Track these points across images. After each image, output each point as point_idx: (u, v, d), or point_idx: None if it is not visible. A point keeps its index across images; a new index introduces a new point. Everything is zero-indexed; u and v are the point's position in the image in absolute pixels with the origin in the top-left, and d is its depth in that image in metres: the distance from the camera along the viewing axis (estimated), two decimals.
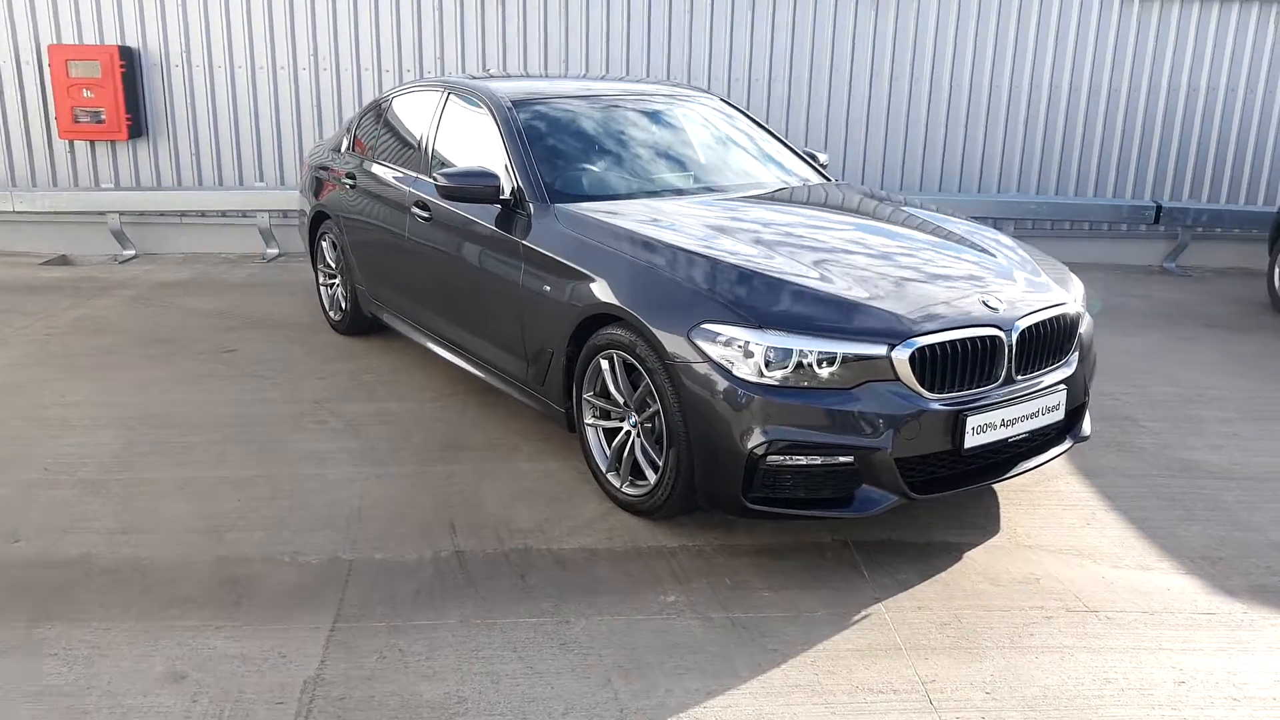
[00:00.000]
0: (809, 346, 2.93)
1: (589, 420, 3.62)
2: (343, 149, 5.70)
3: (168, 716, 2.38)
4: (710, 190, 4.29)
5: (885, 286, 3.20)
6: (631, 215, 3.77)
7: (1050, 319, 3.30)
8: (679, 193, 4.16)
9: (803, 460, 2.97)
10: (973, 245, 3.76)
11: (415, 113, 5.06)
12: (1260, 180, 8.89)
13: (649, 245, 3.45)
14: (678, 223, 3.70)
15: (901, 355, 2.95)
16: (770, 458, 2.96)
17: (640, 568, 3.14)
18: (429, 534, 3.36)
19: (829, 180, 4.75)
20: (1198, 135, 8.75)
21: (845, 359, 2.93)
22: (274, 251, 8.25)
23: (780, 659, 2.66)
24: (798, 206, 4.23)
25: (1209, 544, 3.36)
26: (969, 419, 3.02)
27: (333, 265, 5.79)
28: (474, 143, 4.51)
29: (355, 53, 8.21)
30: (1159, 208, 8.41)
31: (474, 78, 5.01)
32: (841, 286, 3.17)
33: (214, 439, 4.19)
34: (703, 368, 3.02)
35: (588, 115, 4.50)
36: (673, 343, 3.10)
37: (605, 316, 3.43)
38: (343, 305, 5.70)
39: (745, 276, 3.19)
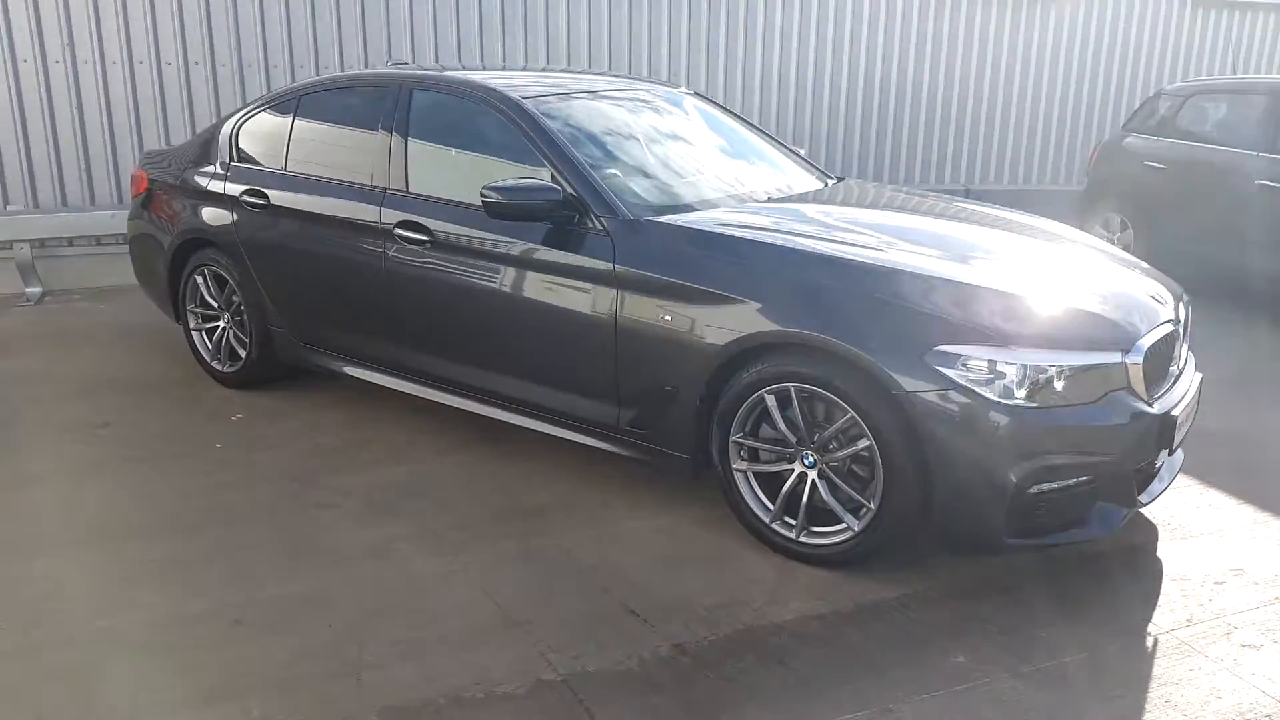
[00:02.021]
0: (1058, 361, 2.77)
1: (739, 466, 3.18)
2: (218, 160, 4.61)
3: None
4: (782, 195, 3.95)
5: (1087, 291, 3.12)
6: (754, 225, 3.37)
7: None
8: (742, 200, 3.78)
9: (1055, 485, 2.80)
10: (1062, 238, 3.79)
11: (356, 115, 4.19)
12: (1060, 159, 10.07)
13: (829, 261, 3.09)
14: (811, 230, 3.37)
15: (1135, 360, 2.88)
16: (1033, 487, 2.76)
17: (889, 629, 2.81)
18: (614, 626, 2.78)
19: (840, 177, 4.57)
20: (999, 122, 9.72)
21: (1090, 371, 2.80)
22: (37, 290, 6.57)
23: (1132, 707, 2.48)
24: (892, 210, 4.05)
25: None
26: (1176, 418, 3.01)
27: (216, 304, 4.68)
28: (478, 149, 3.85)
29: (154, 45, 6.74)
30: (967, 190, 9.22)
31: (428, 70, 4.24)
32: (1065, 295, 3.04)
33: (207, 546, 3.20)
34: (946, 395, 2.74)
35: (607, 115, 3.98)
36: (901, 369, 2.78)
37: (764, 347, 3.02)
38: (241, 352, 4.63)
39: (966, 291, 2.95)
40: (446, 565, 3.11)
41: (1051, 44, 9.99)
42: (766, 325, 3.00)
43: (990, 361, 2.73)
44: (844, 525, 3.01)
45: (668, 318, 3.19)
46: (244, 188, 4.41)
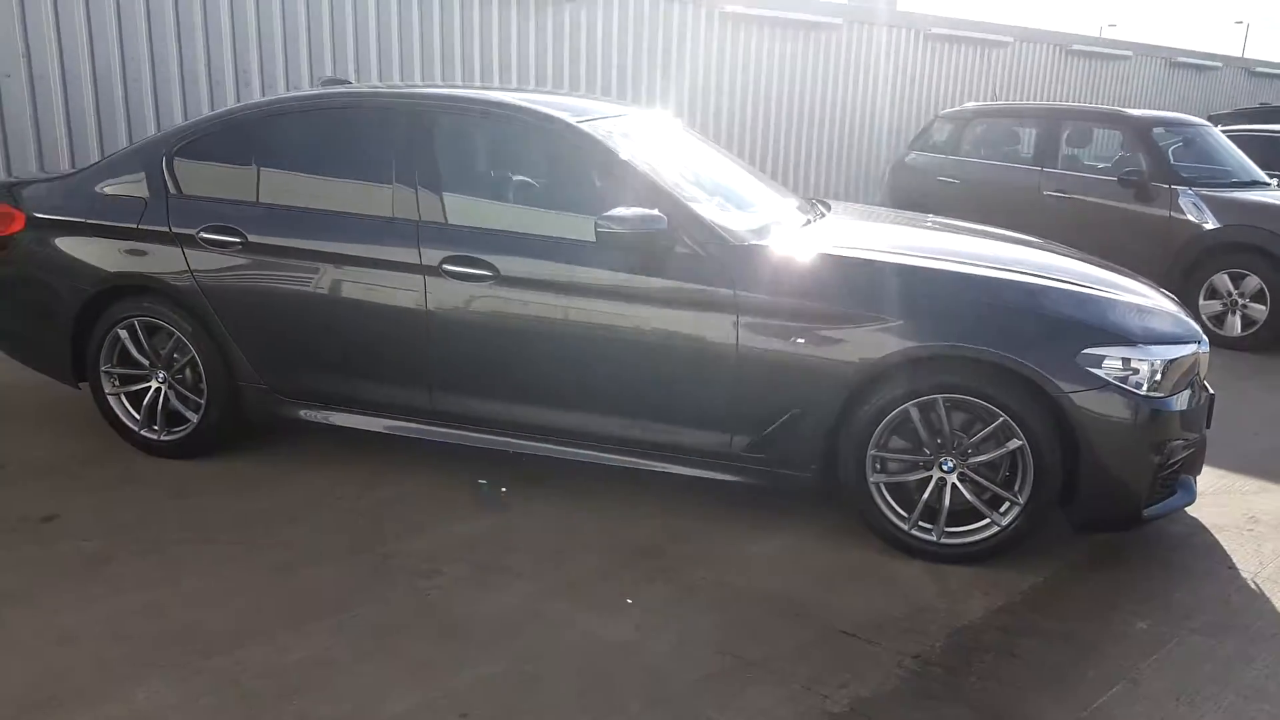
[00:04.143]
0: (1169, 355, 3.24)
1: (875, 479, 3.35)
2: (151, 192, 3.96)
3: None
4: (819, 214, 4.11)
5: (1151, 292, 3.63)
6: (852, 243, 3.56)
7: None
8: (795, 222, 3.93)
9: (1172, 461, 3.27)
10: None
11: (358, 141, 3.82)
12: None
13: (947, 276, 3.36)
14: (911, 245, 3.64)
15: (1205, 350, 3.43)
16: (1168, 466, 3.21)
17: (1067, 608, 3.12)
18: (845, 650, 2.83)
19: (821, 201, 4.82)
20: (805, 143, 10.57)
21: (1185, 360, 3.30)
22: None
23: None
24: (938, 231, 4.33)
25: None
26: (1215, 396, 3.62)
27: (148, 363, 4.02)
28: (535, 177, 3.69)
29: None
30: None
31: (450, 91, 3.97)
32: (1152, 296, 3.52)
33: (338, 640, 2.80)
34: (1095, 393, 3.11)
35: (646, 142, 3.95)
36: (1058, 372, 3.11)
37: (908, 362, 3.23)
38: (190, 416, 4.01)
39: (1095, 299, 3.35)
40: (621, 617, 2.97)
41: (834, 73, 11.09)
42: (915, 342, 3.19)
43: (1124, 360, 3.14)
44: (987, 522, 3.29)
45: (800, 340, 3.29)
46: (203, 224, 3.83)
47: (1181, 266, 6.98)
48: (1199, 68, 18.23)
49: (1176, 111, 10.12)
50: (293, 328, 3.79)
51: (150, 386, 4.04)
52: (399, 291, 3.62)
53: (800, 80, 11.00)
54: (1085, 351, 3.13)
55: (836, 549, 3.43)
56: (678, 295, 3.36)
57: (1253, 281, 6.75)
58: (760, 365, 3.32)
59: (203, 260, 3.82)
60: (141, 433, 4.06)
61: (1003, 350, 3.13)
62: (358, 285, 3.68)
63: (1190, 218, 7.05)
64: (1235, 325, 6.79)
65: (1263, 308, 6.69)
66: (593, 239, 3.35)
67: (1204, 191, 7.12)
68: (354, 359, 3.77)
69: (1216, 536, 3.67)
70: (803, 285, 3.32)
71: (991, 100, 12.48)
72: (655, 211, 3.33)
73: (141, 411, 4.05)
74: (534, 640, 2.84)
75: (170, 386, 4.01)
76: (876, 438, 3.30)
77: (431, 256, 3.56)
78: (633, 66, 9.66)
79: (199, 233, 3.82)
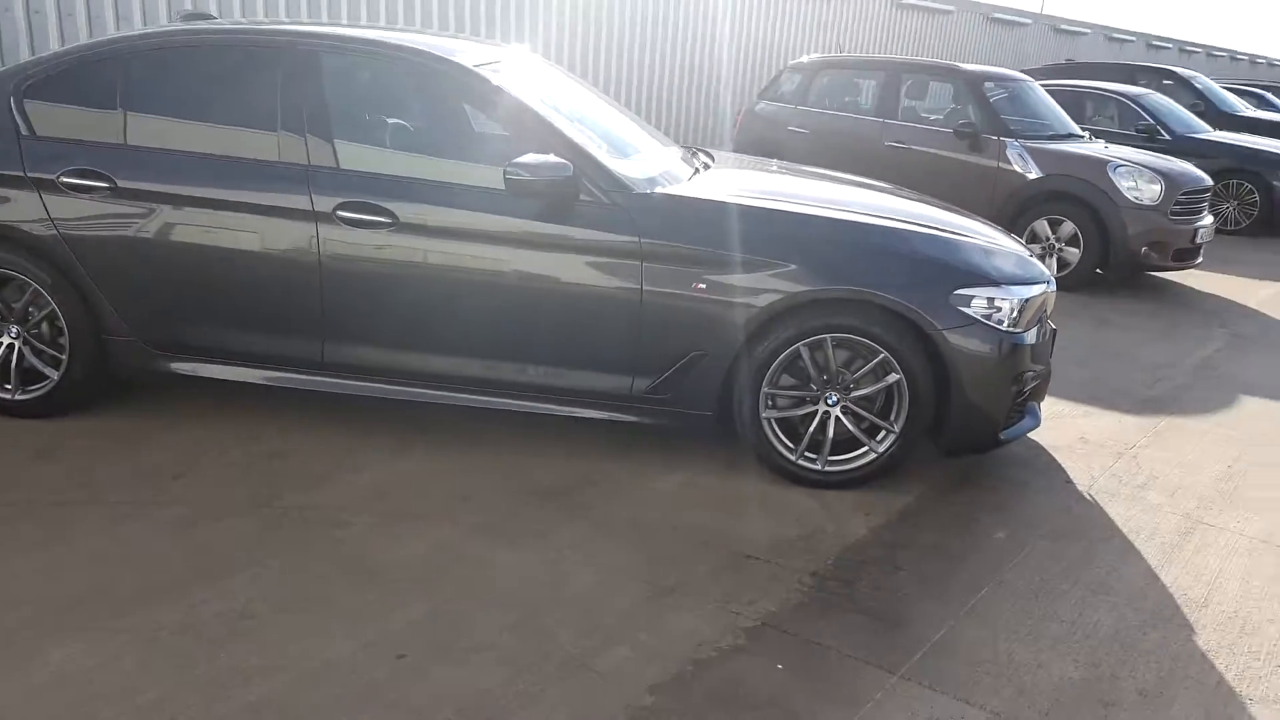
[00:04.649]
0: (1029, 293, 3.60)
1: (767, 414, 3.59)
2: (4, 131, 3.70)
3: None
4: (704, 165, 4.23)
5: (1004, 236, 3.98)
6: (744, 191, 3.73)
7: None
8: (685, 170, 4.04)
9: (1023, 390, 3.67)
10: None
11: (236, 80, 3.68)
12: None
13: (835, 224, 3.59)
14: (794, 193, 3.85)
15: (1052, 289, 3.82)
16: (1022, 394, 3.59)
17: (938, 523, 3.47)
18: (750, 572, 3.06)
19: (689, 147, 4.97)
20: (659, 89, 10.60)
21: (1038, 299, 3.67)
22: None
23: (1109, 529, 3.44)
24: (815, 179, 4.50)
25: None
26: (1056, 331, 4.05)
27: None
28: (432, 122, 3.68)
29: None
30: None
31: (338, 30, 3.86)
32: (1005, 240, 3.86)
33: (256, 594, 2.80)
34: (966, 330, 3.44)
35: (536, 85, 3.97)
36: (933, 312, 3.41)
37: (804, 304, 3.46)
38: (50, 373, 3.81)
39: (965, 244, 3.65)
40: (540, 555, 3.10)
41: (682, 19, 11.20)
42: (810, 285, 3.42)
43: (990, 299, 3.48)
44: (866, 450, 3.59)
45: (702, 285, 3.46)
46: (64, 168, 3.62)
47: (1008, 213, 7.58)
48: (1012, 24, 19.47)
49: (994, 66, 10.84)
50: (170, 278, 3.65)
51: (2, 343, 3.80)
52: (288, 239, 3.54)
53: (649, 25, 11.07)
54: (956, 292, 3.45)
55: (733, 482, 3.67)
56: (583, 242, 3.45)
57: (1068, 227, 7.42)
58: (663, 310, 3.47)
59: (64, 206, 3.62)
60: None
61: (887, 293, 3.41)
62: (242, 233, 3.57)
63: (1016, 168, 7.66)
64: (1052, 267, 7.47)
65: (1076, 251, 7.38)
66: (497, 186, 3.39)
67: (1028, 143, 7.74)
68: (238, 309, 3.67)
69: (1054, 455, 4.14)
70: (704, 233, 3.48)
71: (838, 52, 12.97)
72: (562, 160, 3.39)
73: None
74: (458, 581, 2.93)
75: (25, 342, 3.79)
76: (770, 376, 3.53)
77: (324, 203, 3.51)
78: (472, 5, 9.48)
79: (59, 177, 3.60)
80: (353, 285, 3.56)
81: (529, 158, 3.34)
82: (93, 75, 3.71)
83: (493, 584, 2.92)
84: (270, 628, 2.64)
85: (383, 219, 3.49)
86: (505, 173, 3.31)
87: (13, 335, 3.78)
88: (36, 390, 3.82)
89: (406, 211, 3.49)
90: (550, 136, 3.52)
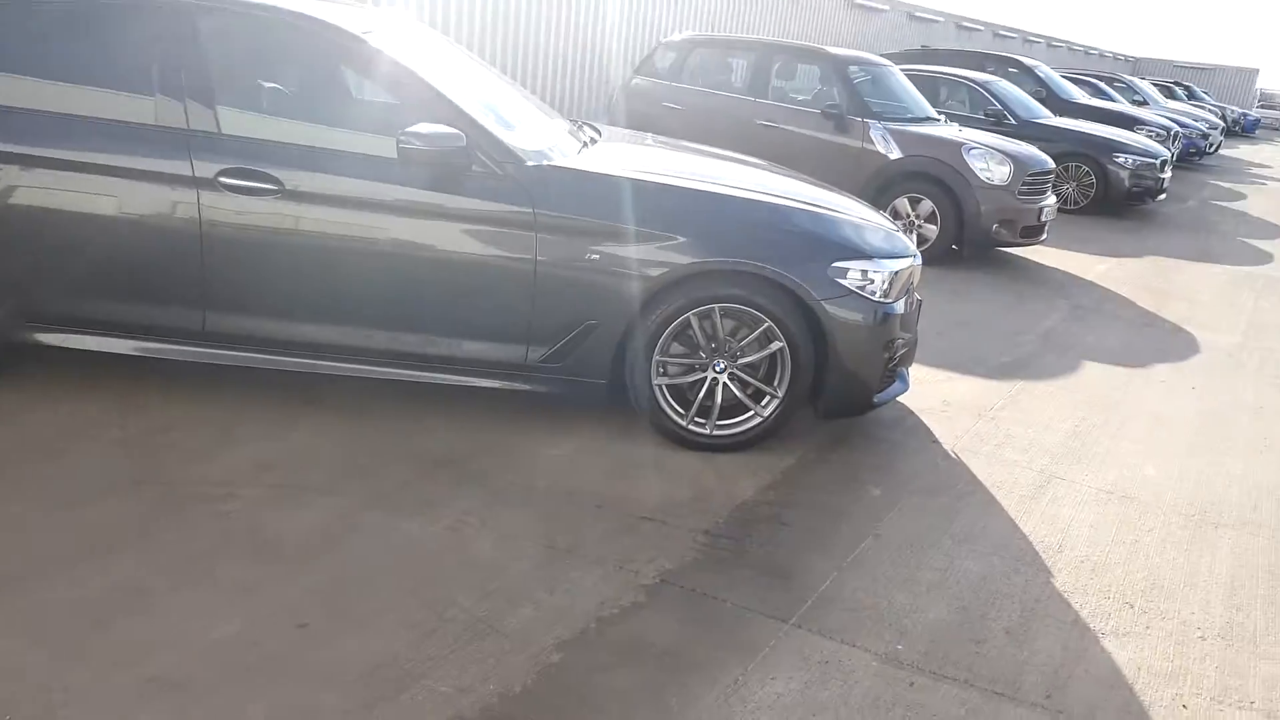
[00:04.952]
0: (898, 266, 3.80)
1: (659, 381, 3.69)
2: None
3: None
4: (591, 139, 4.25)
5: (873, 212, 4.17)
6: (634, 166, 3.79)
7: None
8: (573, 144, 4.07)
9: (894, 356, 3.88)
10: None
11: (105, 37, 3.49)
12: None
13: (723, 199, 3.70)
14: (680, 169, 3.92)
15: (919, 262, 4.05)
16: (893, 360, 3.81)
17: (820, 481, 3.65)
18: (645, 533, 3.15)
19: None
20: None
21: (906, 271, 3.89)
22: None
23: (973, 482, 3.71)
24: (687, 151, 4.60)
25: None
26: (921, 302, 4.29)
27: None
28: (317, 87, 3.59)
29: None
30: None
31: None
32: (874, 216, 4.04)
33: (141, 572, 2.70)
34: (842, 300, 3.62)
35: (417, 52, 3.90)
36: (813, 283, 3.57)
37: (693, 275, 3.56)
38: None
39: (840, 219, 3.81)
40: (437, 522, 3.10)
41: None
42: (700, 257, 3.52)
43: (863, 271, 3.66)
44: (751, 414, 3.74)
45: (595, 256, 3.51)
46: None
47: (871, 191, 7.91)
48: (870, 10, 20.13)
49: (856, 50, 11.24)
50: (37, 245, 3.44)
51: None
52: (167, 205, 3.40)
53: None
54: (834, 265, 3.61)
55: (625, 446, 3.75)
56: (477, 212, 3.45)
57: (926, 205, 7.82)
58: (557, 280, 3.51)
59: None
60: None
61: (771, 265, 3.54)
62: (117, 199, 3.40)
63: (879, 148, 8.00)
64: (913, 243, 7.84)
65: (934, 228, 7.78)
66: (386, 154, 3.34)
67: (890, 125, 8.08)
68: (113, 278, 3.50)
69: (921, 418, 4.40)
70: (597, 205, 3.53)
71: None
72: (455, 130, 3.37)
73: None
74: (355, 550, 2.91)
75: None
76: (661, 345, 3.62)
77: (205, 169, 3.38)
78: None
79: None
80: (236, 253, 3.44)
81: (422, 127, 3.31)
82: None
83: (390, 551, 2.91)
84: (162, 603, 2.56)
85: (269, 186, 3.39)
86: (398, 141, 3.27)
87: None
88: None
89: (293, 179, 3.39)
90: (441, 106, 3.49)
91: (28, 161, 3.37)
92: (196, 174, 3.36)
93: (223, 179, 3.38)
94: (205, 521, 2.97)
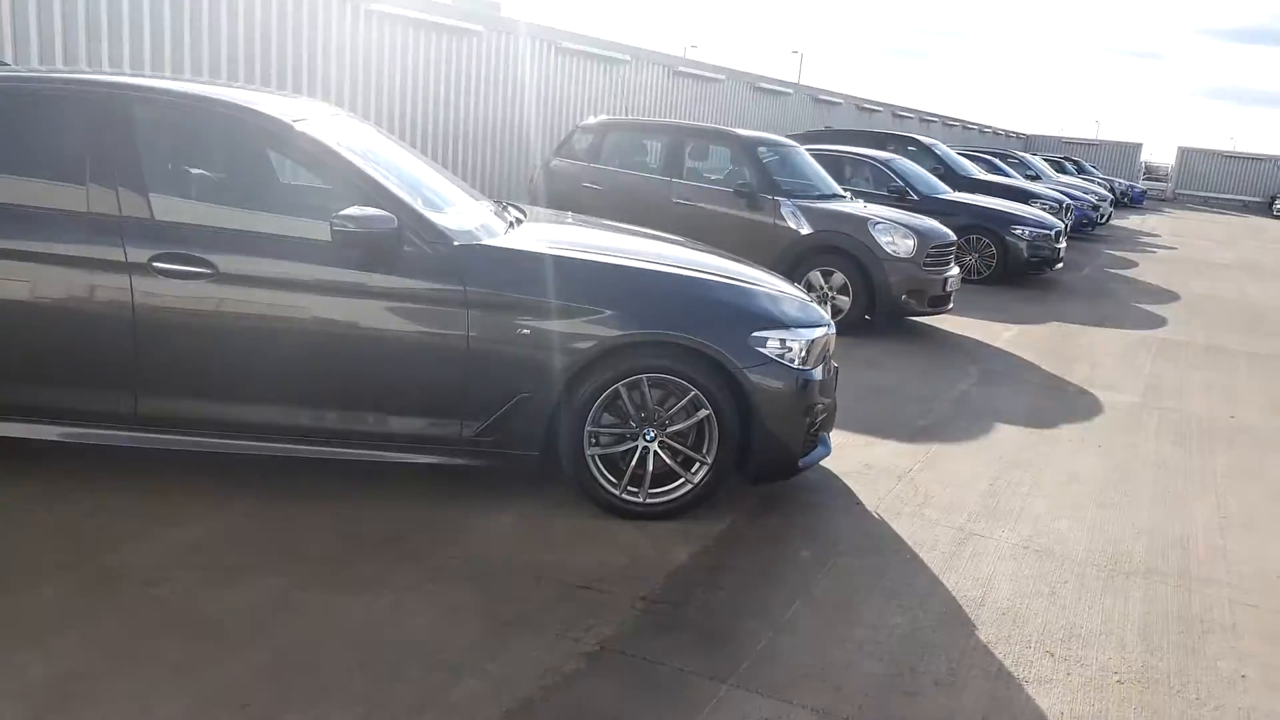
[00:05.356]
0: (814, 335, 4.04)
1: (591, 451, 3.82)
2: None
3: None
4: (516, 219, 4.41)
5: (783, 285, 4.42)
6: (559, 244, 3.96)
7: None
8: (500, 224, 4.24)
9: (815, 421, 4.10)
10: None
11: (38, 128, 3.57)
12: None
13: (646, 274, 3.90)
14: (604, 246, 4.10)
15: (833, 331, 4.30)
16: (814, 425, 4.01)
17: (749, 546, 3.80)
18: (582, 601, 3.25)
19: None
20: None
21: (821, 340, 4.13)
22: None
23: (894, 544, 3.91)
24: (619, 233, 4.75)
25: None
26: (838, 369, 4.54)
27: None
28: (246, 172, 3.70)
29: None
30: None
31: (104, 80, 3.78)
32: (788, 288, 4.28)
33: (82, 656, 2.69)
34: (762, 368, 3.82)
35: (347, 136, 4.05)
36: (735, 352, 3.77)
37: (621, 347, 3.73)
38: None
39: (758, 292, 4.04)
40: (378, 600, 3.14)
41: (481, 79, 11.46)
42: (626, 330, 3.69)
43: (781, 340, 3.89)
44: (682, 481, 3.89)
45: (525, 331, 3.66)
46: None
47: (784, 265, 8.25)
48: (775, 93, 21.10)
49: (761, 131, 11.82)
50: None
51: None
52: (99, 290, 3.45)
53: (448, 83, 11.26)
54: (754, 334, 3.83)
55: (560, 518, 3.86)
56: (409, 291, 3.58)
57: (838, 278, 8.20)
58: (489, 355, 3.64)
59: None
60: None
61: (693, 335, 3.74)
62: (47, 284, 3.45)
63: (790, 224, 8.39)
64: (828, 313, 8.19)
65: (847, 299, 8.16)
66: (321, 237, 3.47)
67: (800, 202, 8.50)
68: (40, 364, 3.52)
69: (844, 480, 4.61)
70: (526, 281, 3.69)
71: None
72: (385, 212, 3.51)
73: None
74: (296, 628, 2.93)
75: None
76: (593, 415, 3.77)
77: (138, 254, 3.44)
78: (279, 59, 9.34)
79: None
80: (170, 335, 3.49)
81: (354, 210, 3.44)
82: None
83: (332, 629, 2.95)
84: (105, 686, 2.56)
85: (203, 270, 3.47)
86: (331, 224, 3.40)
87: None
88: None
89: (227, 263, 3.48)
90: (371, 190, 3.63)
91: None
92: (130, 259, 3.42)
93: (156, 264, 3.44)
94: (141, 604, 2.98)
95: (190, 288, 3.46)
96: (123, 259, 3.42)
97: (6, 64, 4.31)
